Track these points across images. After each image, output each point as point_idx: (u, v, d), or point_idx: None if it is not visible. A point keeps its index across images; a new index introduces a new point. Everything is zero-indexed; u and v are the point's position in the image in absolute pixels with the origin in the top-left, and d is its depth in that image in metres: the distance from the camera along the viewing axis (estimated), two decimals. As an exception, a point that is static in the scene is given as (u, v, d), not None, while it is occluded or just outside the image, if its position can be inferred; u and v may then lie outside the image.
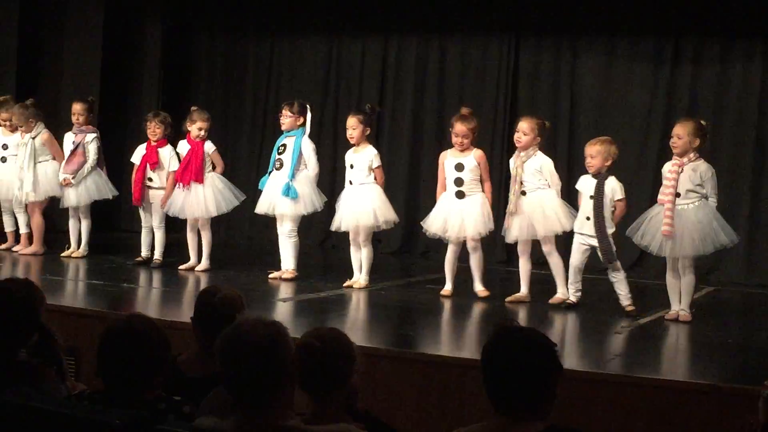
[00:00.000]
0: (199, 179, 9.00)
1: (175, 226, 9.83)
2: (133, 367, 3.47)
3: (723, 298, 8.23)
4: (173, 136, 9.40)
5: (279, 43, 12.04)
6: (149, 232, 9.37)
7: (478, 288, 8.27)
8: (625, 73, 10.58)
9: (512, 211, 7.96)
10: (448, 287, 8.33)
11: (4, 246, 9.92)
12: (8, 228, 10.01)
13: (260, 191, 9.01)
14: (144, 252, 9.39)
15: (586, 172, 7.88)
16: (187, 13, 12.35)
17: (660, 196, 7.53)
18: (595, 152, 7.76)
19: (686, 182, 7.41)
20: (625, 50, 10.58)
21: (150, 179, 9.26)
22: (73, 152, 9.44)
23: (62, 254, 9.57)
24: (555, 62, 10.84)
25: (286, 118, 8.85)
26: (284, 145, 8.86)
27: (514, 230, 8.02)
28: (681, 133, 7.45)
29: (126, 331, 3.53)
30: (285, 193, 8.70)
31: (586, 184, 7.85)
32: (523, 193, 7.98)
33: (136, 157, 9.33)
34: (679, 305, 7.56)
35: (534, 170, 7.97)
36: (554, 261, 8.04)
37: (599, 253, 7.70)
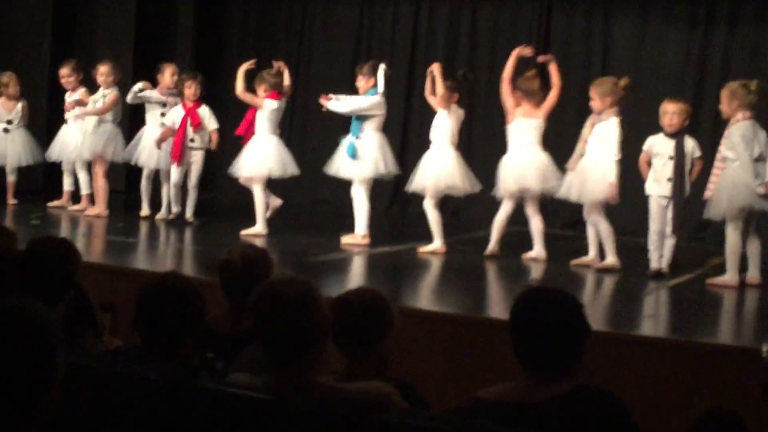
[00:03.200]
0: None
1: (207, 185, 9.90)
2: (170, 323, 3.51)
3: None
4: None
5: (311, 6, 12.02)
6: (179, 190, 9.42)
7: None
8: (658, 35, 10.49)
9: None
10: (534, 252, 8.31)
11: (57, 203, 10.00)
12: (67, 187, 10.08)
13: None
14: (175, 208, 9.43)
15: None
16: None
17: None
18: (679, 110, 7.62)
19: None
20: (658, 12, 10.48)
21: (192, 140, 9.34)
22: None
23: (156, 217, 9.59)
24: (587, 25, 10.77)
25: (360, 82, 8.78)
26: None
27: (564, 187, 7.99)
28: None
29: (163, 289, 3.58)
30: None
31: (661, 144, 7.70)
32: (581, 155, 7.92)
33: (174, 118, 9.33)
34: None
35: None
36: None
37: (670, 215, 7.61)
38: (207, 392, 3.17)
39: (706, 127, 10.16)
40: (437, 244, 8.41)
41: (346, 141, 8.63)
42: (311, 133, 11.44)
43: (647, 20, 10.51)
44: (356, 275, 7.83)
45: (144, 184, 9.69)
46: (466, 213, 10.86)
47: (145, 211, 9.62)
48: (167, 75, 9.59)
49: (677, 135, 7.64)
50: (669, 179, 7.62)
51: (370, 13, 11.74)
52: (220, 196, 9.39)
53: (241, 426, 3.05)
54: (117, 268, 6.99)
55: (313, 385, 3.10)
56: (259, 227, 8.92)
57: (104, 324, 4.29)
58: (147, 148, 9.53)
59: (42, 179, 11.00)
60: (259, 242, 8.32)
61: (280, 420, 3.00)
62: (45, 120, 10.82)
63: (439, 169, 8.37)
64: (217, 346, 3.80)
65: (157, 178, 9.68)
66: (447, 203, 10.74)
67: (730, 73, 10.12)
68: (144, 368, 3.29)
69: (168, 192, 9.49)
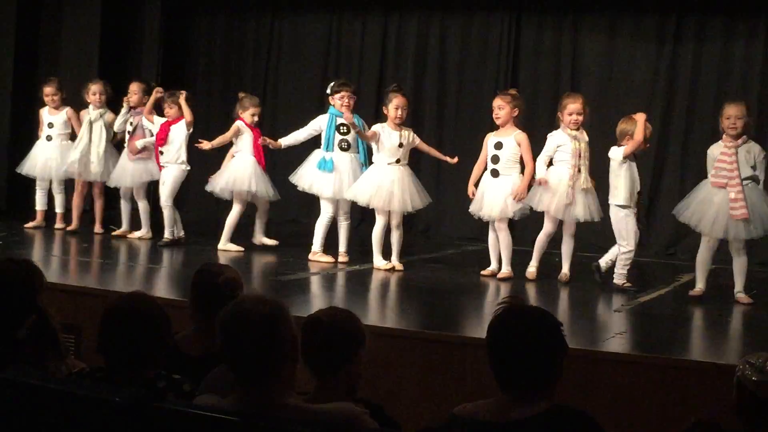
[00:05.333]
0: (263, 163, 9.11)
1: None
2: (135, 345, 3.45)
3: (723, 276, 8.20)
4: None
5: (279, 21, 11.98)
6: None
7: (504, 270, 8.16)
8: (627, 51, 10.53)
9: (588, 188, 7.93)
10: (492, 267, 8.31)
11: (32, 224, 9.83)
12: (40, 207, 9.94)
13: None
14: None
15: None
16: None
17: (716, 179, 7.39)
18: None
19: (742, 165, 7.33)
20: (627, 28, 10.52)
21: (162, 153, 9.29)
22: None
23: (113, 233, 9.54)
24: (556, 40, 10.78)
25: (353, 99, 8.70)
26: (345, 125, 8.64)
27: (580, 209, 7.94)
28: (739, 114, 7.38)
29: (128, 309, 3.52)
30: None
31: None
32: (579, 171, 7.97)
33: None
34: (704, 284, 7.58)
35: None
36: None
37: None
38: (173, 414, 3.12)
39: (676, 142, 10.22)
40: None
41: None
42: (280, 151, 11.35)
43: (616, 36, 10.54)
44: (326, 294, 7.75)
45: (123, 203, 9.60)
46: (437, 230, 10.85)
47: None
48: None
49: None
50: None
51: (338, 27, 11.71)
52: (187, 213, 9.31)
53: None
54: (81, 289, 6.87)
55: (281, 405, 3.05)
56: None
57: (67, 346, 4.20)
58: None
59: (5, 197, 10.86)
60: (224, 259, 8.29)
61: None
62: (8, 137, 10.68)
63: (377, 185, 8.38)
64: (185, 367, 3.74)
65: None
66: (416, 220, 10.74)
67: (699, 88, 10.18)
68: (108, 391, 3.22)
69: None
